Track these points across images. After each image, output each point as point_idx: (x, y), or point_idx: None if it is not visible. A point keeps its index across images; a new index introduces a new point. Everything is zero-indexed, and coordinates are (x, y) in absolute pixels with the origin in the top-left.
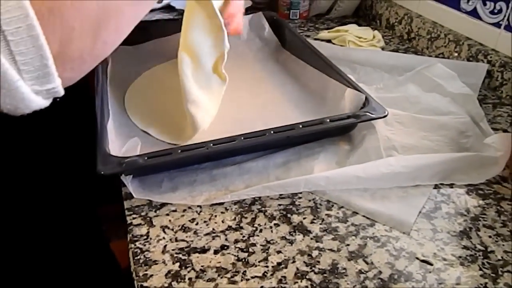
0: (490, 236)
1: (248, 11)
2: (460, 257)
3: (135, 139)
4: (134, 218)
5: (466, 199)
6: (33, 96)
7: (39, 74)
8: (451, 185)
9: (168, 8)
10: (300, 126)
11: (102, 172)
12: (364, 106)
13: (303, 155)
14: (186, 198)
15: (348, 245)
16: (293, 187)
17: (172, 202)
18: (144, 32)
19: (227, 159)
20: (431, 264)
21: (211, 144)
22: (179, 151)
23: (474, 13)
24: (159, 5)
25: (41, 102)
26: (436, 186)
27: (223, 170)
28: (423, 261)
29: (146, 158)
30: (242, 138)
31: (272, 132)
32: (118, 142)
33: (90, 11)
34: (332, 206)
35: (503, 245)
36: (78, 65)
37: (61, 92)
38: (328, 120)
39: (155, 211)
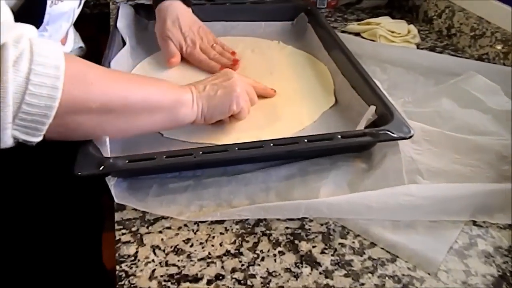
0: None
1: None
2: None
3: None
4: (123, 234)
5: (508, 235)
6: (8, 140)
7: (30, 127)
8: None
9: None
10: (305, 140)
11: (78, 173)
12: (387, 122)
13: (311, 170)
14: (170, 208)
15: (363, 284)
16: (292, 211)
17: (156, 212)
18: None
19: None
20: None
21: (200, 152)
22: (164, 156)
23: None
24: None
25: (7, 144)
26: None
27: (218, 180)
28: None
29: (126, 161)
30: (236, 148)
31: (271, 144)
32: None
33: (112, 98)
34: (348, 233)
35: None
36: (68, 135)
37: (33, 144)
38: (339, 136)
39: (147, 227)
